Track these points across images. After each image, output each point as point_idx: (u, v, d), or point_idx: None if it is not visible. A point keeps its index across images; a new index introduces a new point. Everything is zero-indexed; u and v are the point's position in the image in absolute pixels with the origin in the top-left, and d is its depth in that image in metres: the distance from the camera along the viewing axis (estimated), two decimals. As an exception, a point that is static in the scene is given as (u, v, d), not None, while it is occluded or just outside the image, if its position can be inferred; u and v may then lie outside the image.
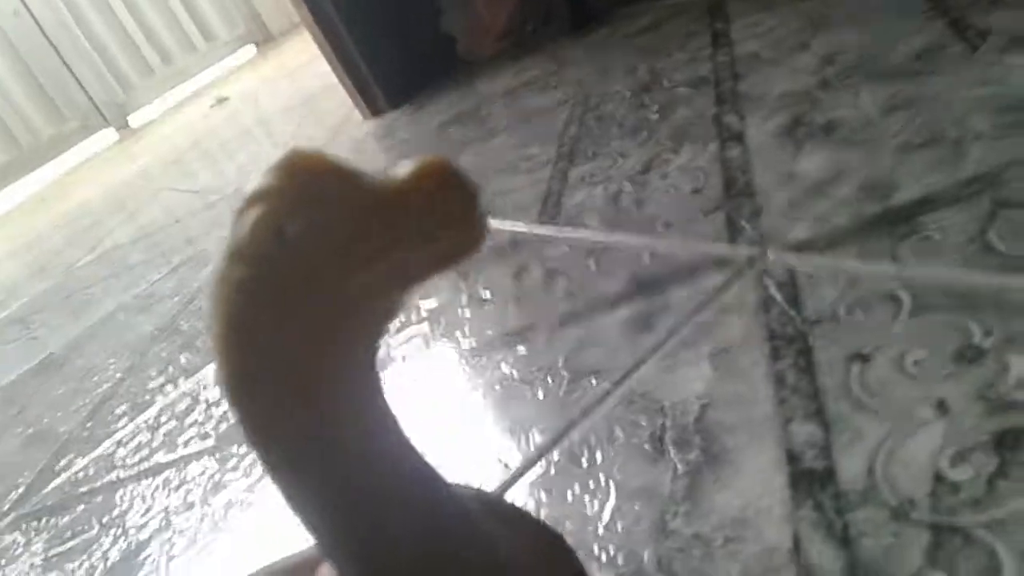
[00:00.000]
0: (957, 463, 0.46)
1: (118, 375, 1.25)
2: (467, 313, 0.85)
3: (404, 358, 0.84)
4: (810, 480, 0.49)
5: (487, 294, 0.86)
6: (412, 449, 0.25)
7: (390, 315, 0.23)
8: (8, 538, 0.97)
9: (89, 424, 1.14)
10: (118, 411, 1.13)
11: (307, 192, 0.21)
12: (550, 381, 0.69)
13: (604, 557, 0.51)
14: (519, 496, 0.59)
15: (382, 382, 0.24)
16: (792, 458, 0.51)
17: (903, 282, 0.59)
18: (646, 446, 0.57)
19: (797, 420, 0.53)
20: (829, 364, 0.56)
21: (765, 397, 0.56)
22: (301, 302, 0.21)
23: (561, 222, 0.92)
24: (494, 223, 0.99)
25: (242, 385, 0.22)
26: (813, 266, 0.65)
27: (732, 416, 0.56)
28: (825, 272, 0.64)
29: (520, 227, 0.96)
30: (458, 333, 0.83)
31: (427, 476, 0.26)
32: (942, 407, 0.49)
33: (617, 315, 0.72)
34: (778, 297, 0.64)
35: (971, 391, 0.49)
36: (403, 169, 0.21)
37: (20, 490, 1.07)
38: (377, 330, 0.23)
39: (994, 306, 0.54)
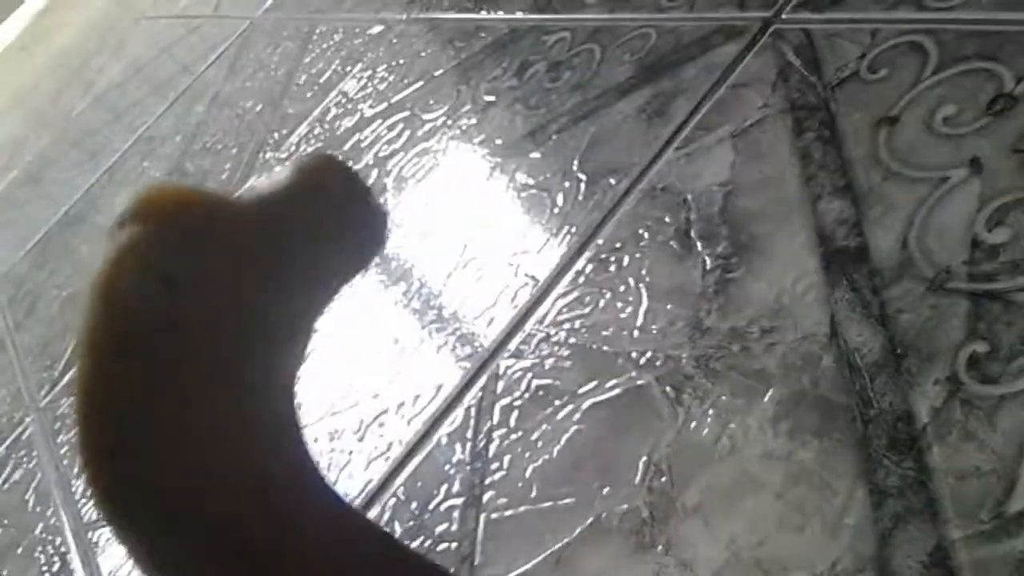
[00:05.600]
0: (994, 225, 0.44)
1: (138, 225, 1.24)
2: (473, 120, 0.82)
3: (414, 178, 0.82)
4: (843, 260, 0.48)
5: (491, 98, 0.82)
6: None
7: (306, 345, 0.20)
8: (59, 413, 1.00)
9: (121, 278, 1.15)
10: (146, 262, 1.13)
11: (186, 231, 0.18)
12: (567, 185, 0.67)
13: (642, 361, 0.52)
14: (551, 312, 0.59)
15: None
16: (823, 239, 0.50)
17: (929, 30, 0.55)
18: (673, 243, 0.56)
19: (826, 197, 0.51)
20: (855, 132, 0.53)
21: (791, 176, 0.54)
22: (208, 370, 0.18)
23: (558, 6, 0.87)
24: (487, 15, 0.94)
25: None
26: (831, 22, 0.61)
27: (758, 201, 0.54)
28: (844, 27, 0.60)
29: (516, 16, 0.91)
30: (466, 144, 0.80)
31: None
32: (975, 165, 0.47)
33: (629, 104, 0.69)
34: (796, 62, 0.60)
35: (1005, 144, 0.47)
36: (279, 176, 0.19)
37: (65, 359, 1.09)
38: (299, 364, 0.20)
39: (1027, 47, 0.50)
